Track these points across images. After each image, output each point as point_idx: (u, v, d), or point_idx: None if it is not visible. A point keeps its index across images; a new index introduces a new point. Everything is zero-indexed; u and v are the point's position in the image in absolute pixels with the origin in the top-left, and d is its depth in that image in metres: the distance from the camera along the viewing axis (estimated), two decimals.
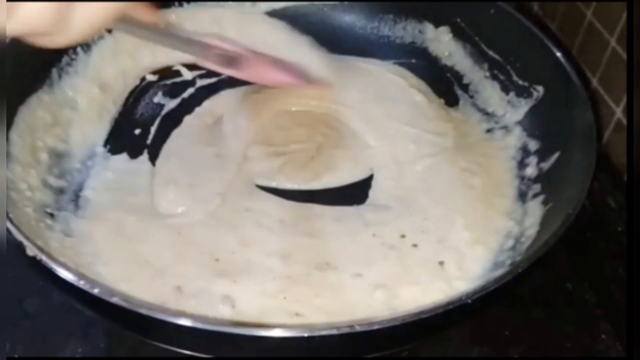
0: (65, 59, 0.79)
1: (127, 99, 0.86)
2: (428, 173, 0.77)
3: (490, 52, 0.86)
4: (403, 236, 0.71)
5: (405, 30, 0.93)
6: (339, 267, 0.68)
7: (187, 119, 0.84)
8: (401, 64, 0.91)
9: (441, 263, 0.68)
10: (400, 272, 0.67)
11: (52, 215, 0.69)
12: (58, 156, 0.75)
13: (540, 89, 0.79)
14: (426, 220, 0.72)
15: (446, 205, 0.74)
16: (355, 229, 0.71)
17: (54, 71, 0.78)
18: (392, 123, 0.83)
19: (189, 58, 0.80)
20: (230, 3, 0.92)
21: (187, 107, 0.86)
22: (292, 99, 0.85)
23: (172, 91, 0.87)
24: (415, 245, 0.70)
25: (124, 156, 0.79)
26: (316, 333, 0.51)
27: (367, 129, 0.83)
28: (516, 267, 0.58)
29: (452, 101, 0.88)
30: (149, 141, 0.82)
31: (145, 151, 0.80)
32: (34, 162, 0.71)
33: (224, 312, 0.63)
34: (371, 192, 0.77)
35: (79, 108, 0.80)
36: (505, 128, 0.82)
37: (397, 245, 0.70)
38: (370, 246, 0.70)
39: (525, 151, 0.78)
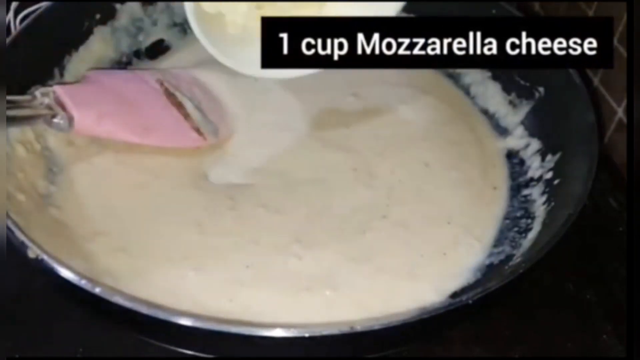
0: (66, 58, 0.79)
1: None
2: (426, 172, 0.77)
3: None
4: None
5: None
6: None
7: None
8: None
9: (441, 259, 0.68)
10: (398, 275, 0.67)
11: None
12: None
13: (542, 89, 0.79)
14: (422, 221, 0.72)
15: (445, 205, 0.73)
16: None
17: (56, 71, 0.78)
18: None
19: None
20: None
21: None
22: None
23: None
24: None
25: None
26: (316, 333, 0.51)
27: None
28: (517, 267, 0.58)
29: None
30: None
31: None
32: (35, 161, 0.71)
33: None
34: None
35: None
36: (506, 128, 0.82)
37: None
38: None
39: (526, 151, 0.78)
